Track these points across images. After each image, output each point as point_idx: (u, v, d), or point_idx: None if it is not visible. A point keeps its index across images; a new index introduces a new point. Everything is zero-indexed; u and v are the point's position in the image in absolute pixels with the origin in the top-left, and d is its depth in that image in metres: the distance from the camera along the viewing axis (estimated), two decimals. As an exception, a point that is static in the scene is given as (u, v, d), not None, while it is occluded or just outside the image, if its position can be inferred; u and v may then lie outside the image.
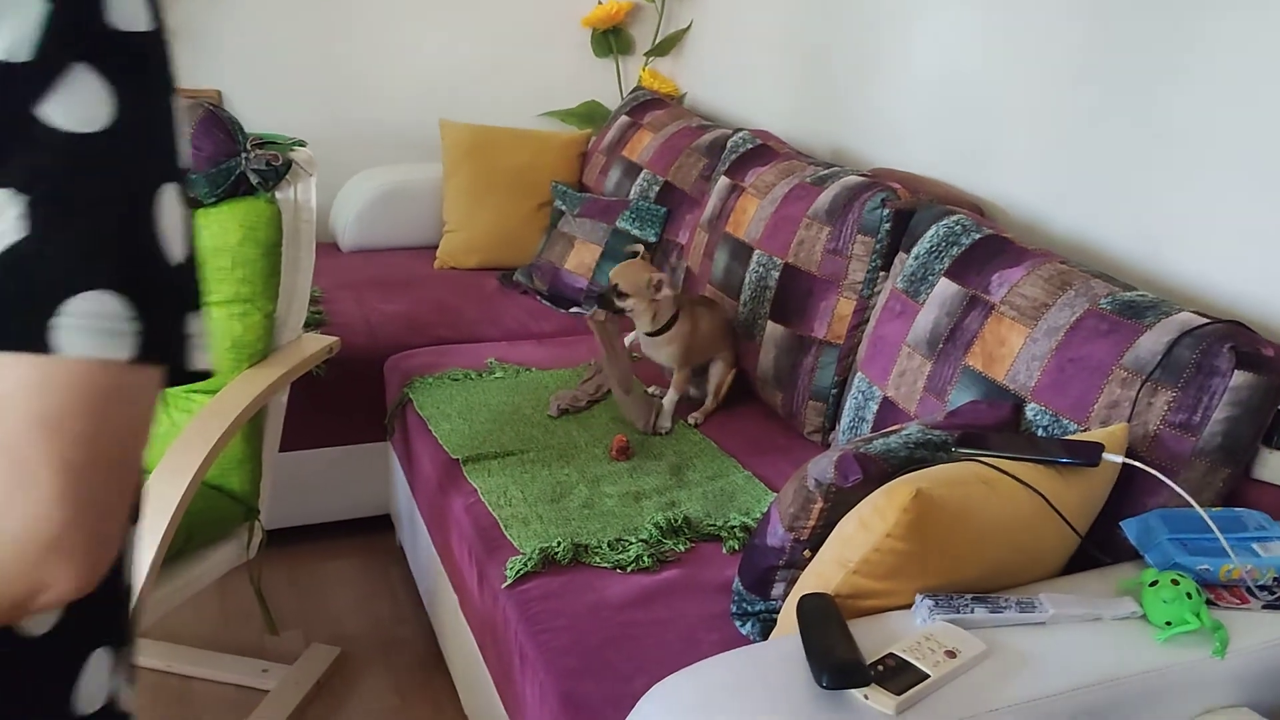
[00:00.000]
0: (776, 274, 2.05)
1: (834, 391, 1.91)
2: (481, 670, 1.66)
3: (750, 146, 2.37)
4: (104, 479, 0.60)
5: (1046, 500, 1.18)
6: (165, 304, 0.61)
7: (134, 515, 0.71)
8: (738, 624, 1.41)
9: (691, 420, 2.02)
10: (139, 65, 0.61)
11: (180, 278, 0.62)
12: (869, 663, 1.03)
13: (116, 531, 0.63)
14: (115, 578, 0.72)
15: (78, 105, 0.57)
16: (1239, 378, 1.28)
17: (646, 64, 3.31)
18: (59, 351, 0.57)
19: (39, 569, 0.59)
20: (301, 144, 1.89)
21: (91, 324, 0.57)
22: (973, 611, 1.12)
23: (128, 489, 0.63)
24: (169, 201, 0.60)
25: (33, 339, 0.57)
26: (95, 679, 0.73)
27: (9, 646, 0.66)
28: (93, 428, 0.59)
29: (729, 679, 1.06)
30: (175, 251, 0.61)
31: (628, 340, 2.11)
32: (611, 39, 3.27)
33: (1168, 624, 1.12)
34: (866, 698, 1.00)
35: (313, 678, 2.00)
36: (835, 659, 1.02)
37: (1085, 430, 1.37)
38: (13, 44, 0.56)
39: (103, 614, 0.73)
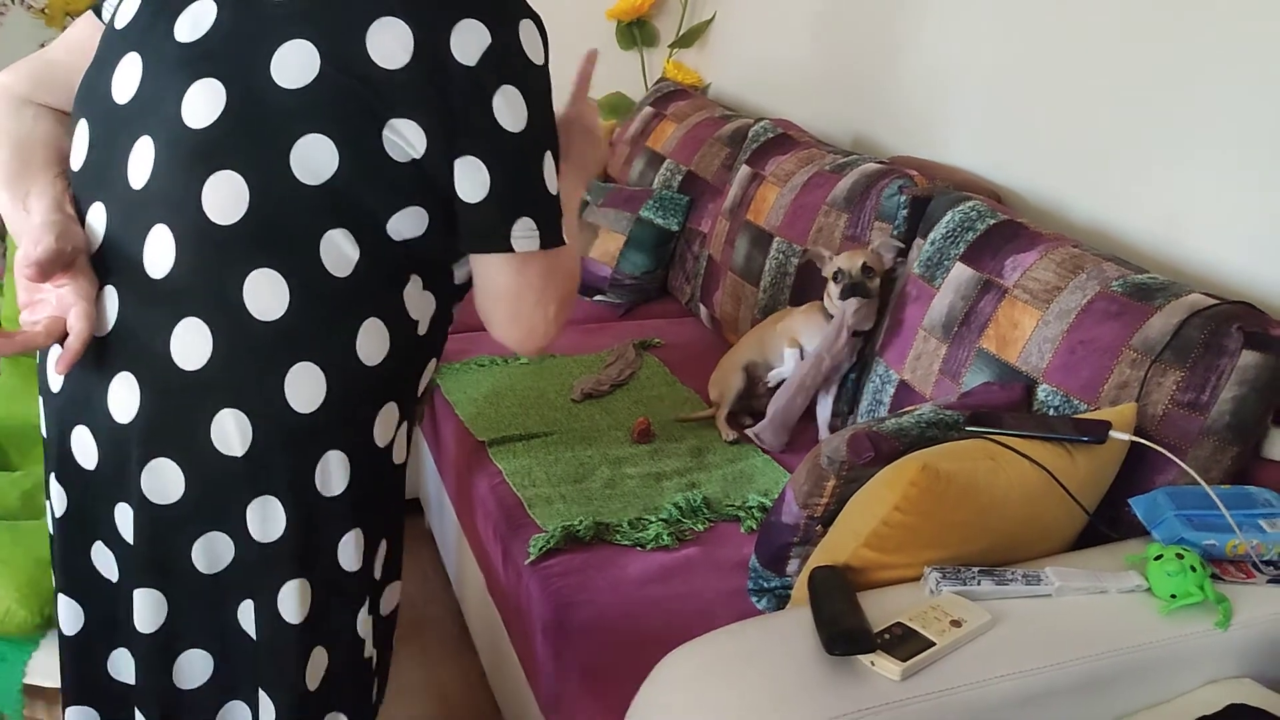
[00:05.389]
0: (796, 260, 2.08)
1: (853, 376, 1.94)
2: (506, 645, 1.71)
3: (771, 136, 2.40)
4: (514, 312, 1.11)
5: (1052, 475, 1.21)
6: (548, 216, 1.06)
7: (435, 352, 1.20)
8: (754, 600, 1.45)
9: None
10: (537, 86, 1.04)
11: (555, 201, 1.07)
12: (876, 631, 1.06)
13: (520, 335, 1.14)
14: (414, 370, 1.16)
15: (510, 115, 1.01)
16: (1247, 357, 1.30)
17: (671, 55, 3.34)
18: (513, 250, 1.05)
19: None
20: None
21: (522, 234, 1.04)
22: (979, 584, 1.15)
23: (541, 317, 1.12)
24: (549, 161, 1.06)
25: (505, 245, 1.05)
26: (386, 422, 1.12)
27: (355, 367, 1.05)
28: (507, 284, 1.09)
29: (740, 646, 1.10)
30: (553, 189, 1.06)
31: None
32: (636, 31, 3.31)
33: (1172, 597, 1.15)
34: (873, 664, 1.04)
35: (344, 654, 2.06)
36: (843, 627, 1.05)
37: (1095, 410, 1.40)
38: (464, 54, 0.99)
39: (402, 380, 1.13)
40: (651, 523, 1.64)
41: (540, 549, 1.57)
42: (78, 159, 1.08)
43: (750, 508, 1.69)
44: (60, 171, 1.10)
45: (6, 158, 1.11)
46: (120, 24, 1.08)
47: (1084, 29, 1.85)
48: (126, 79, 1.04)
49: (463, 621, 2.13)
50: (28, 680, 1.59)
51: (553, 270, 1.08)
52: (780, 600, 1.41)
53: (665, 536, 1.60)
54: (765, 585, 1.43)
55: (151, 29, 1.04)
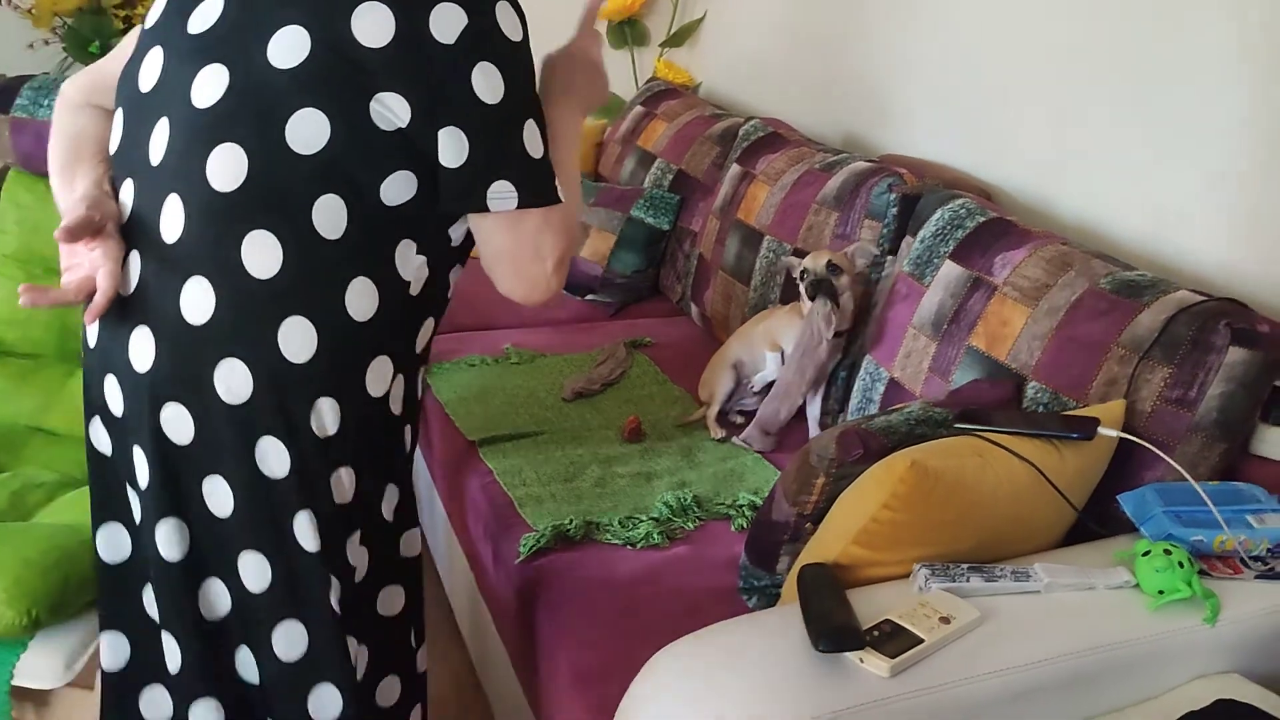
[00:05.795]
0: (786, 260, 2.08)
1: (843, 375, 1.94)
2: (496, 643, 1.71)
3: (761, 134, 2.40)
4: (515, 269, 1.18)
5: (1041, 472, 1.21)
6: (530, 178, 1.14)
7: (435, 313, 1.26)
8: (744, 598, 1.45)
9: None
10: (515, 61, 1.12)
11: (539, 164, 1.14)
12: (865, 628, 1.06)
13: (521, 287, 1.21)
14: (408, 328, 1.22)
15: (487, 88, 1.09)
16: (1234, 354, 1.30)
17: (661, 55, 3.34)
18: (491, 211, 1.13)
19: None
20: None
21: (499, 195, 1.12)
22: (968, 580, 1.15)
23: (541, 272, 1.19)
24: (530, 128, 1.14)
25: (481, 205, 1.13)
26: (378, 374, 1.19)
27: (345, 322, 1.13)
28: (503, 243, 1.17)
29: (730, 644, 1.10)
30: (535, 153, 1.14)
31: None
32: (627, 30, 3.31)
33: (1160, 592, 1.15)
34: (862, 661, 1.04)
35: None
36: (832, 624, 1.05)
37: (1084, 407, 1.40)
38: (443, 33, 1.07)
39: (394, 337, 1.20)
40: (642, 521, 1.63)
41: (530, 548, 1.57)
42: (114, 143, 1.23)
43: (740, 506, 1.69)
44: (103, 158, 1.25)
45: (63, 151, 1.28)
46: (149, 23, 1.22)
47: (1075, 28, 1.85)
48: (151, 70, 1.18)
49: (453, 620, 2.13)
50: (15, 682, 1.58)
51: (546, 226, 1.16)
52: (770, 598, 1.41)
53: (656, 535, 1.60)
54: (755, 583, 1.43)
55: (171, 25, 1.18)
